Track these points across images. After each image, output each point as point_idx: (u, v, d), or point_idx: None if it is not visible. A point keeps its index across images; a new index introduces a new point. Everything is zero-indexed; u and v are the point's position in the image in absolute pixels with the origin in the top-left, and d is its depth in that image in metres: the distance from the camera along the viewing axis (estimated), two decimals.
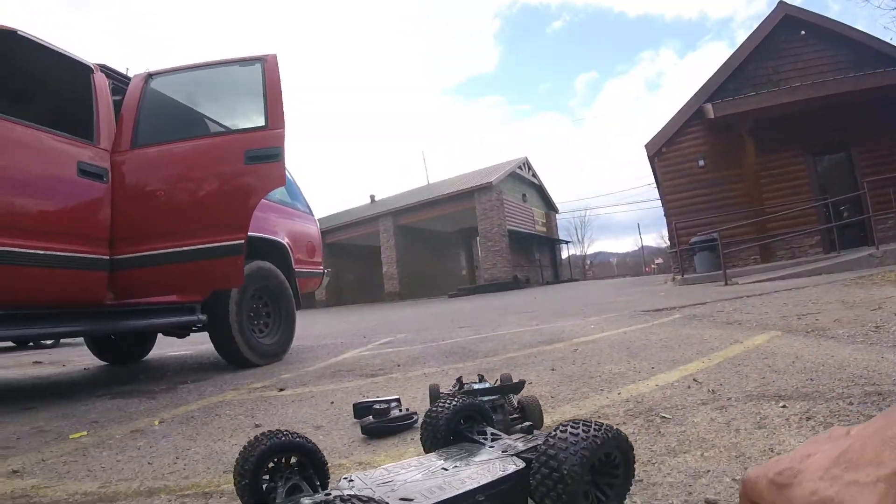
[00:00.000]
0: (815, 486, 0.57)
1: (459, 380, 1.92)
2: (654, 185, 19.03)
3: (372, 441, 1.87)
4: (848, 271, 8.03)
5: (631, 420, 1.69)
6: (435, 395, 1.98)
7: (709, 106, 12.51)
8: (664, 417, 1.65)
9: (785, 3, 13.01)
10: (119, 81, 3.70)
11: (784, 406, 1.62)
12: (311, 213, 5.62)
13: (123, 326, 3.41)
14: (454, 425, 1.24)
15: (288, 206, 5.02)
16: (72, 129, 3.18)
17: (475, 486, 0.95)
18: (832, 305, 3.96)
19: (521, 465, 1.01)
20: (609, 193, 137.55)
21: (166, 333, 4.50)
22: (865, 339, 2.50)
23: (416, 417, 1.99)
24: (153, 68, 3.72)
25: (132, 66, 8.57)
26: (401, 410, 2.01)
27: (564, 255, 39.09)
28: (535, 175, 30.83)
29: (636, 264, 58.36)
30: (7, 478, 1.73)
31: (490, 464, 1.03)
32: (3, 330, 2.74)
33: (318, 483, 1.12)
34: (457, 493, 0.92)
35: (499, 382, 1.81)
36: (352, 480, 1.00)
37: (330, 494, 0.81)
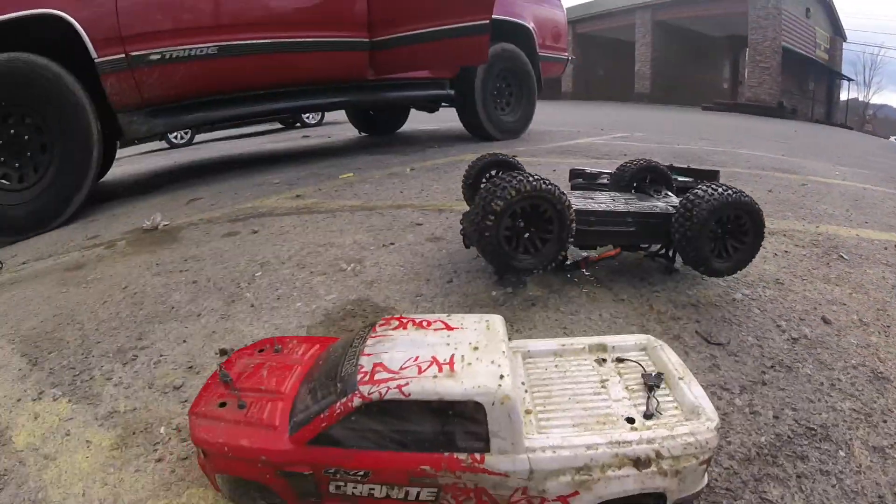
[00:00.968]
0: None
1: (670, 166, 2.07)
2: None
3: None
4: None
5: (810, 247, 1.74)
6: None
7: None
8: (842, 257, 1.67)
9: None
10: None
11: None
12: None
13: (383, 98, 4.06)
14: (636, 180, 1.50)
15: None
16: None
17: (627, 210, 1.27)
18: None
19: (671, 211, 1.27)
20: None
21: (418, 108, 5.12)
22: None
23: None
24: None
25: None
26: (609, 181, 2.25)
27: (843, 96, 31.34)
28: None
29: None
30: (293, 199, 2.45)
31: (648, 205, 1.32)
32: (295, 101, 3.49)
33: None
34: (611, 209, 1.27)
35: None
36: None
37: None
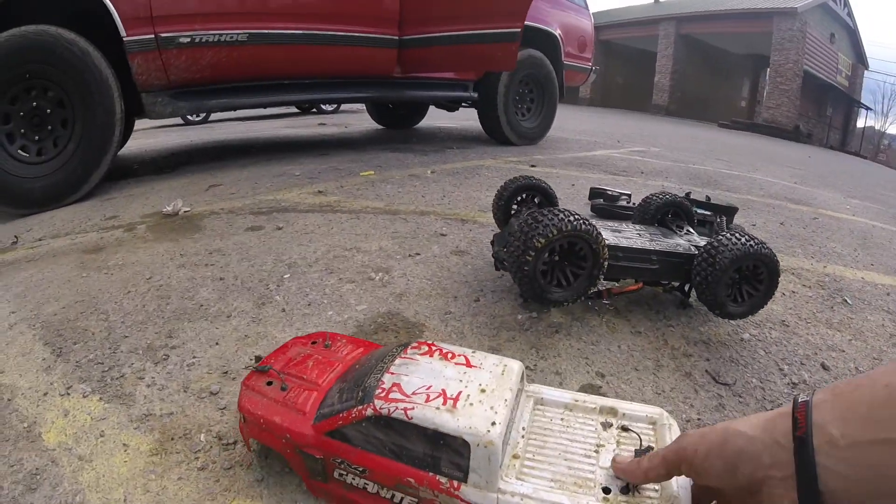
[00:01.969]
0: None
1: (688, 194, 2.06)
2: None
3: (597, 219, 2.21)
4: None
5: (816, 288, 1.76)
6: None
7: None
8: (846, 301, 1.69)
9: None
10: None
11: None
12: (586, 7, 5.47)
13: (408, 95, 4.07)
14: (661, 214, 1.53)
15: None
16: None
17: (653, 248, 1.30)
18: None
19: (693, 251, 1.30)
20: None
21: (438, 106, 5.13)
22: None
23: None
24: None
25: None
26: (629, 203, 2.26)
27: (860, 123, 31.19)
28: (850, 14, 23.66)
29: None
30: (315, 195, 2.45)
31: (672, 243, 1.35)
32: (320, 93, 3.50)
33: None
34: (638, 247, 1.29)
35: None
36: None
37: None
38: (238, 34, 2.87)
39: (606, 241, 1.21)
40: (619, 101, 28.08)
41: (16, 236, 1.97)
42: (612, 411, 0.81)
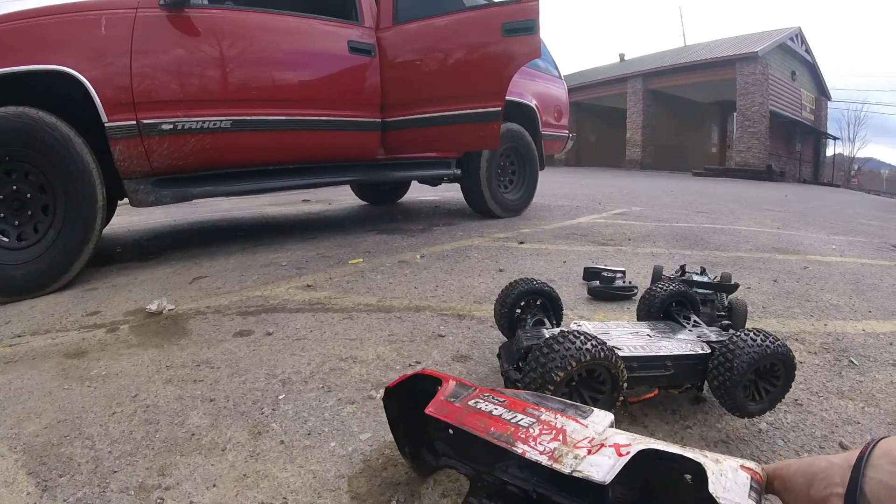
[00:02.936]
0: None
1: (682, 267, 2.06)
2: None
3: (594, 302, 2.21)
4: None
5: (822, 353, 1.74)
6: (657, 276, 2.16)
7: None
8: (852, 363, 1.67)
9: None
10: None
11: None
12: (560, 77, 5.66)
13: (392, 176, 4.13)
14: (666, 306, 1.49)
15: (538, 69, 5.12)
16: (338, 13, 3.58)
17: (667, 353, 1.25)
18: None
19: (707, 351, 1.26)
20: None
21: (421, 182, 5.19)
22: None
23: (636, 291, 2.24)
24: None
25: None
26: (624, 282, 2.26)
27: (829, 152, 32.41)
28: (808, 50, 25.07)
29: None
30: (304, 289, 2.41)
31: (684, 343, 1.31)
32: (306, 179, 3.52)
33: (555, 322, 1.56)
34: (652, 354, 1.24)
35: (718, 279, 1.92)
36: (579, 325, 1.40)
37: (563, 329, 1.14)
38: (221, 121, 2.90)
39: (622, 354, 1.18)
40: (594, 159, 28.95)
41: None
42: None
